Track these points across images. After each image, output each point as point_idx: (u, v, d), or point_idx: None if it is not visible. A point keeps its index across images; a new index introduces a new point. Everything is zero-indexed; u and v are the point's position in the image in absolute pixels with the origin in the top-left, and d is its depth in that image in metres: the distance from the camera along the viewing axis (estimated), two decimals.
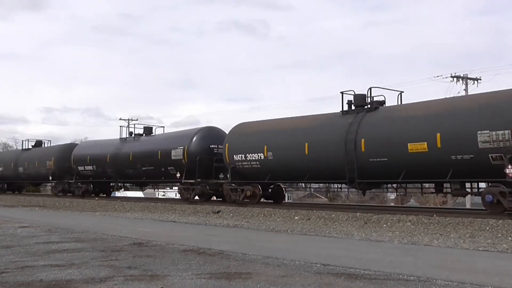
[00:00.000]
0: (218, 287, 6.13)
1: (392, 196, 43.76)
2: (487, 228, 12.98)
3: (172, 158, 24.91)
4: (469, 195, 18.62)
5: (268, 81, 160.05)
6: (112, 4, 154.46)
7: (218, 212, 19.75)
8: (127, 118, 65.87)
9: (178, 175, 24.79)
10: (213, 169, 23.99)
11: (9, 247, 9.97)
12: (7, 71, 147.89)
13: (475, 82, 42.29)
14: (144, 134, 29.60)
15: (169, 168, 25.38)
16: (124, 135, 30.24)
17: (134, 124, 32.14)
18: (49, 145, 40.28)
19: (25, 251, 9.34)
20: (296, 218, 17.00)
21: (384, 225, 14.54)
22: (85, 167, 31.89)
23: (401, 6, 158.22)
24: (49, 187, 43.33)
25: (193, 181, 24.00)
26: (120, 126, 31.21)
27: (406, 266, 7.53)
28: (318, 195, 66.28)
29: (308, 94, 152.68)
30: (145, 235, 11.89)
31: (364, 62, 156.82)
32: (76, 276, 6.79)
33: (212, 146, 24.63)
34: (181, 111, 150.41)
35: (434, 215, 14.84)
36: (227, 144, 22.47)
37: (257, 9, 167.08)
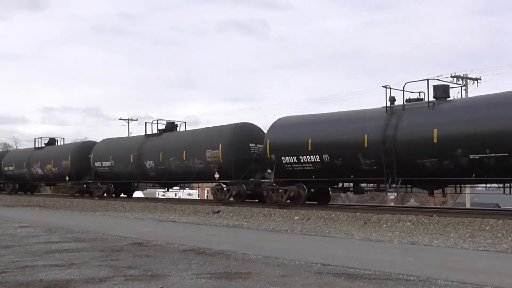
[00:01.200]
0: (218, 287, 6.13)
1: (392, 196, 43.72)
2: (487, 228, 12.98)
3: None
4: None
5: (268, 81, 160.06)
6: (112, 3, 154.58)
7: (218, 212, 19.73)
8: (127, 118, 65.79)
9: None
10: None
11: (9, 247, 9.98)
12: (7, 71, 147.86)
13: (475, 82, 42.30)
14: (436, 98, 16.98)
15: None
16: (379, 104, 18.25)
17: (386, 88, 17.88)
18: (183, 129, 27.69)
19: (25, 251, 9.35)
20: (296, 218, 16.99)
21: (384, 225, 14.54)
22: (306, 157, 19.06)
23: (401, 6, 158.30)
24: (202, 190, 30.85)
25: None
26: (386, 87, 17.72)
27: (406, 266, 7.53)
28: None
29: (308, 94, 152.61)
30: (145, 235, 11.89)
31: (364, 62, 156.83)
32: (76, 276, 6.79)
33: None
34: (181, 111, 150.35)
35: (434, 215, 14.83)
36: None
37: (257, 9, 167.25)
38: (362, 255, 8.83)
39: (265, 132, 21.71)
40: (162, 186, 29.06)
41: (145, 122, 28.01)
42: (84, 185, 31.60)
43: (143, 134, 28.26)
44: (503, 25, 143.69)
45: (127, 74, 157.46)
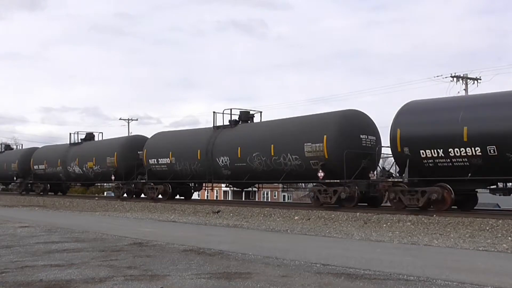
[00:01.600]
0: (218, 287, 6.13)
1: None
2: (487, 228, 12.99)
3: None
4: None
5: (268, 81, 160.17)
6: (111, 3, 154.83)
7: (218, 212, 19.74)
8: (126, 118, 65.72)
9: None
10: None
11: (9, 247, 9.98)
12: (6, 71, 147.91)
13: (475, 82, 42.31)
14: None
15: None
16: None
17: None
18: (257, 119, 23.79)
19: (25, 251, 9.35)
20: (296, 218, 17.00)
21: (384, 225, 14.54)
22: (458, 150, 15.06)
23: (401, 6, 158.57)
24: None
25: None
26: None
27: (406, 266, 7.53)
28: None
29: (308, 94, 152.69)
30: (145, 235, 11.89)
31: (364, 62, 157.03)
32: (76, 276, 6.79)
33: None
34: (180, 111, 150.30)
35: (434, 215, 14.83)
36: None
37: (256, 9, 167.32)
38: (362, 255, 8.83)
39: (375, 121, 19.01)
40: (238, 186, 25.22)
41: (214, 112, 23.65)
42: (133, 185, 27.52)
43: (210, 126, 24.22)
44: (503, 25, 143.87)
45: (127, 74, 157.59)
